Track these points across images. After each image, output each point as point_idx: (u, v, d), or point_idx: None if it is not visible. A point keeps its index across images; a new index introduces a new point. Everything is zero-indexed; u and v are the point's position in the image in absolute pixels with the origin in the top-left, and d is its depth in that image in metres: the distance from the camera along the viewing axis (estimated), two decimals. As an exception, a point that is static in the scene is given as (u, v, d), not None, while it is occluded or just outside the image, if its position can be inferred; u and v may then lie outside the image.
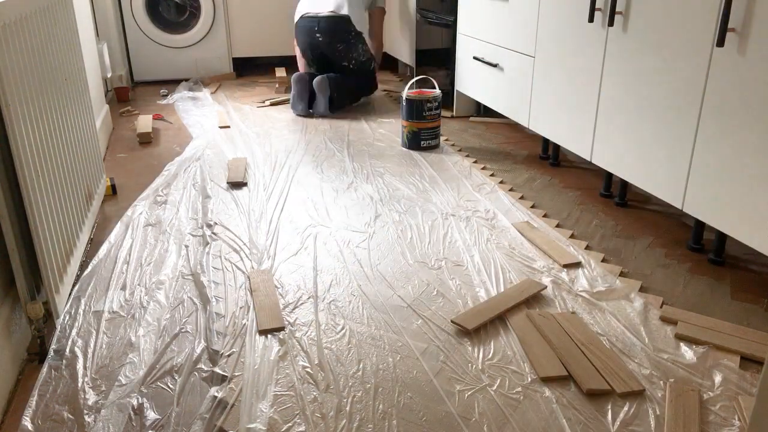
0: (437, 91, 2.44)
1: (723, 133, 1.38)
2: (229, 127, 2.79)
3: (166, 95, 3.43)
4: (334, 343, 1.24)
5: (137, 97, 3.43)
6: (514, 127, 2.79)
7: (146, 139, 2.62)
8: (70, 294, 1.41)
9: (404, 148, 2.46)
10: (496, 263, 1.55)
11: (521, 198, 1.97)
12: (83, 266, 1.56)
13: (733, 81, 1.33)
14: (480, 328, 1.28)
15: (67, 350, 1.23)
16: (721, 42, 1.32)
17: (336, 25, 2.94)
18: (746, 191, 1.33)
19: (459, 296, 1.41)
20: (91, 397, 1.10)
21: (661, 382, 1.12)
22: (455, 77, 2.89)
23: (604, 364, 1.15)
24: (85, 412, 1.07)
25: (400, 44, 3.58)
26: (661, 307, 1.35)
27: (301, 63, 3.19)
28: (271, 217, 1.84)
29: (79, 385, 1.14)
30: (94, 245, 1.68)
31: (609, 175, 1.96)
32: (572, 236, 1.70)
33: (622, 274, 1.50)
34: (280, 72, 3.69)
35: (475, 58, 2.62)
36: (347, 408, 1.07)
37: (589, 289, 1.42)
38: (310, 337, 1.26)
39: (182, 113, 3.06)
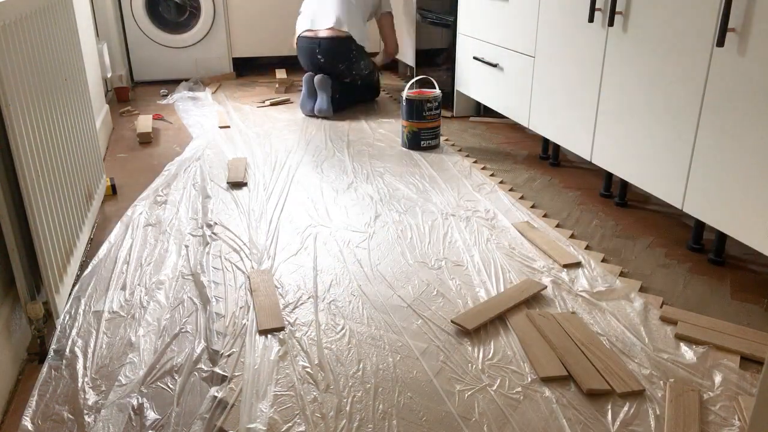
0: (437, 91, 2.44)
1: (723, 133, 1.38)
2: (229, 127, 2.79)
3: (166, 95, 3.43)
4: (334, 343, 1.24)
5: (137, 97, 3.43)
6: (514, 127, 2.79)
7: (146, 139, 2.62)
8: (70, 294, 1.41)
9: (404, 148, 2.46)
10: (496, 263, 1.55)
11: (521, 198, 1.97)
12: (83, 266, 1.56)
13: (733, 81, 1.33)
14: (480, 328, 1.28)
15: (67, 350, 1.23)
16: (721, 42, 1.32)
17: (337, 47, 2.90)
18: (746, 191, 1.33)
19: (459, 296, 1.41)
20: (91, 397, 1.10)
21: (661, 382, 1.12)
22: (455, 77, 2.89)
23: (604, 364, 1.15)
24: (85, 412, 1.07)
25: (401, 44, 3.58)
26: (661, 307, 1.35)
27: None
28: (271, 217, 1.84)
29: (79, 385, 1.14)
30: (94, 245, 1.68)
31: (609, 175, 1.96)
32: (572, 236, 1.70)
33: (622, 274, 1.50)
34: (281, 73, 3.69)
35: (475, 58, 2.62)
36: (347, 408, 1.07)
37: (589, 289, 1.42)
38: (310, 337, 1.26)
39: (182, 113, 3.06)
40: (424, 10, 3.13)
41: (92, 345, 1.25)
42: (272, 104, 3.21)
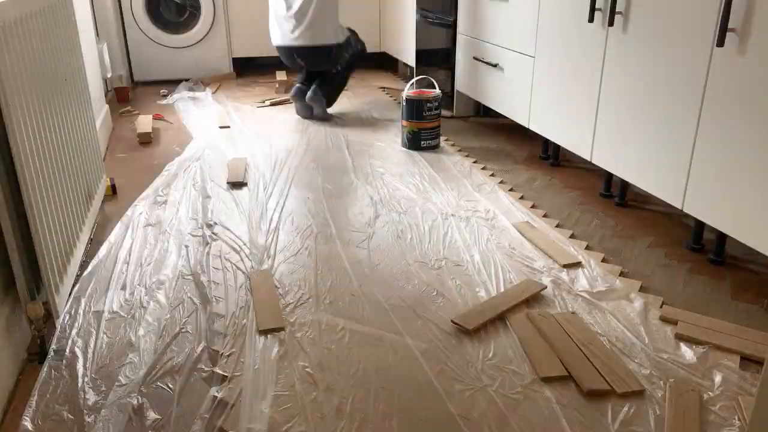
0: (437, 91, 2.43)
1: (723, 133, 1.37)
2: (229, 127, 2.79)
3: (166, 95, 3.43)
4: (334, 343, 1.24)
5: (137, 97, 3.43)
6: (514, 127, 2.79)
7: (146, 139, 2.62)
8: (70, 294, 1.41)
9: (404, 148, 2.46)
10: (496, 263, 1.55)
11: (521, 198, 1.97)
12: (83, 266, 1.56)
13: (733, 81, 1.33)
14: (480, 328, 1.28)
15: (67, 350, 1.23)
16: (721, 42, 1.32)
17: (315, 57, 2.83)
18: (746, 191, 1.33)
19: (459, 296, 1.41)
20: (91, 397, 1.10)
21: (661, 382, 1.12)
22: (455, 77, 2.89)
23: (604, 364, 1.15)
24: (85, 412, 1.07)
25: (401, 44, 3.58)
26: (661, 307, 1.35)
27: None
28: (271, 217, 1.84)
29: (79, 385, 1.13)
30: (94, 245, 1.68)
31: (609, 175, 1.96)
32: (572, 236, 1.70)
33: (622, 274, 1.50)
34: (281, 75, 3.69)
35: (475, 58, 2.62)
36: (347, 408, 1.07)
37: (589, 289, 1.42)
38: (310, 337, 1.26)
39: (182, 113, 3.06)
40: (424, 10, 3.13)
41: (92, 345, 1.25)
42: (272, 104, 3.21)
